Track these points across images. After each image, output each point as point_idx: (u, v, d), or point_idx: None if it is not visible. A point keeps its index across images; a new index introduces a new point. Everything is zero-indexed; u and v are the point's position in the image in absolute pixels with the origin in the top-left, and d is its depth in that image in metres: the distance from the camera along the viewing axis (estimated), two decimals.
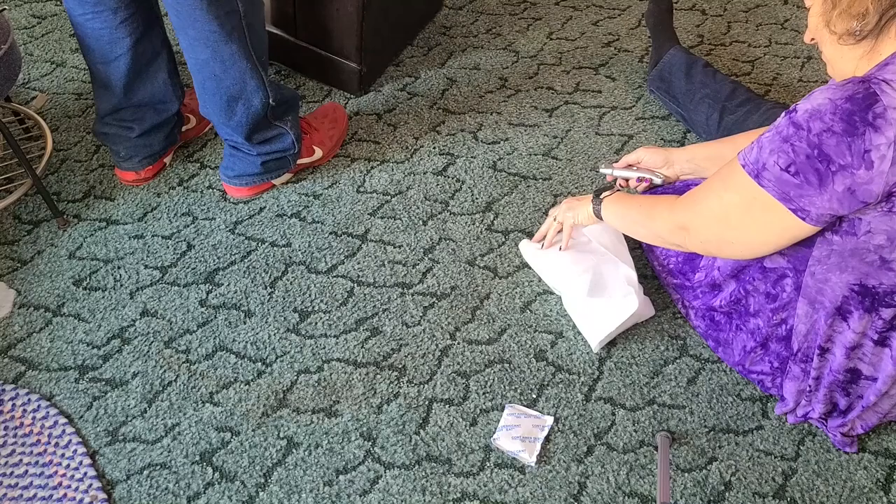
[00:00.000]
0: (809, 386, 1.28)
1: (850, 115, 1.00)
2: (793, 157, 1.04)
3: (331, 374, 1.45)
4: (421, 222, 1.75)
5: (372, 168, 1.88)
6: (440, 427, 1.38)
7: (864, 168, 1.00)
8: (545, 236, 1.60)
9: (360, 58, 1.99)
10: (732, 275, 1.34)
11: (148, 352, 1.48)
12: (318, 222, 1.75)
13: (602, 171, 1.64)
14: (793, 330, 1.26)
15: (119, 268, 1.64)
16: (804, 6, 1.30)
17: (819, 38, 1.14)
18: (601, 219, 1.49)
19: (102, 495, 1.27)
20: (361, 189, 1.83)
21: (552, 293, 1.60)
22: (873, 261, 1.11)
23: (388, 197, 1.81)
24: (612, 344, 1.50)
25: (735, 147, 1.50)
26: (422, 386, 1.44)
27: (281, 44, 2.08)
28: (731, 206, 1.16)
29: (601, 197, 1.48)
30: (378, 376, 1.45)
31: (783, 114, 1.09)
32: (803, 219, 1.07)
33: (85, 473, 1.30)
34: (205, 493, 1.28)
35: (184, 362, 1.47)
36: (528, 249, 1.64)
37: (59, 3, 2.43)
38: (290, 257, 1.67)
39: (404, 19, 2.19)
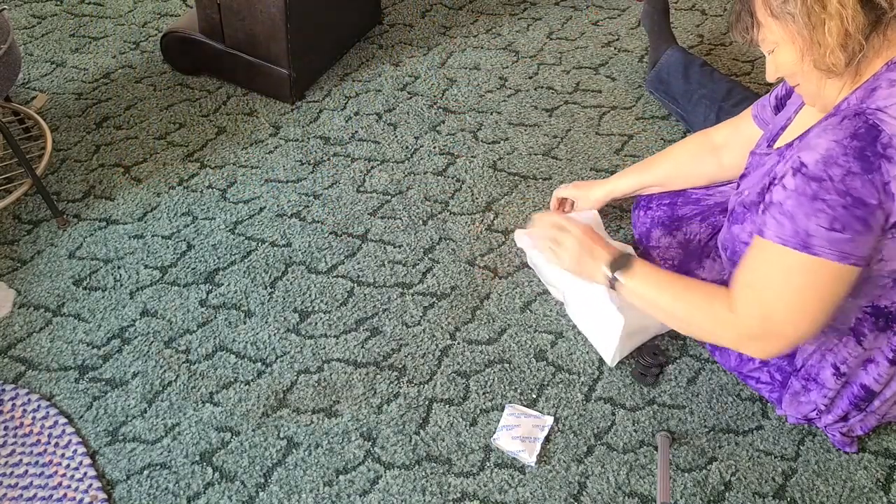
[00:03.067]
0: (822, 406, 1.28)
1: (861, 152, 0.98)
2: (831, 213, 1.00)
3: (331, 374, 1.45)
4: (421, 222, 1.75)
5: (372, 168, 1.88)
6: (440, 427, 1.38)
7: (889, 201, 0.99)
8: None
9: (289, 63, 1.98)
10: None
11: (148, 352, 1.48)
12: (318, 222, 1.75)
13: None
14: (798, 348, 1.25)
15: (119, 268, 1.64)
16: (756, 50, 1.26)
17: (795, 76, 1.10)
18: (614, 288, 1.27)
19: (102, 495, 1.27)
20: (361, 189, 1.83)
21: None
22: (886, 283, 1.10)
23: (388, 197, 1.81)
24: None
25: (661, 168, 1.56)
26: (422, 386, 1.44)
27: (210, 52, 2.07)
28: (800, 291, 1.06)
29: (621, 267, 1.24)
30: (378, 376, 1.45)
31: (790, 174, 1.03)
32: (866, 264, 1.05)
33: (85, 473, 1.30)
34: (205, 493, 1.28)
35: (184, 362, 1.47)
36: (523, 241, 1.62)
37: (59, 2, 2.43)
38: (290, 257, 1.67)
39: (336, 26, 2.15)
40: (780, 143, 1.24)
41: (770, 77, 1.13)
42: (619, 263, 1.24)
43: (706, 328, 1.18)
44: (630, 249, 1.51)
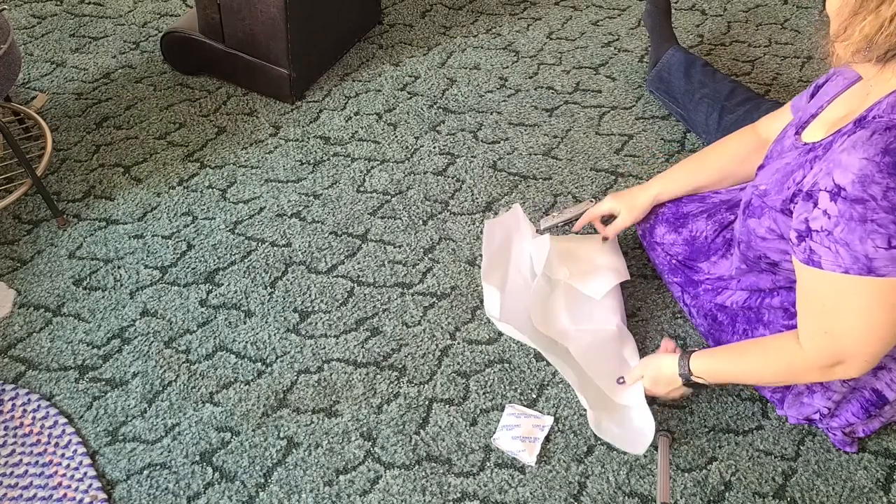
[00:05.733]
0: (826, 410, 1.27)
1: (895, 167, 0.96)
2: (885, 231, 0.98)
3: (331, 374, 1.45)
4: (421, 222, 1.75)
5: (372, 168, 1.88)
6: (440, 427, 1.38)
7: None
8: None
9: (289, 63, 1.98)
10: (752, 288, 1.32)
11: (148, 352, 1.48)
12: (318, 222, 1.75)
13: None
14: None
15: (119, 268, 1.64)
16: (811, 6, 1.21)
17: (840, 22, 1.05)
18: (689, 382, 1.28)
19: (102, 495, 1.27)
20: (361, 189, 1.83)
21: None
22: None
23: (388, 197, 1.81)
24: None
25: (715, 163, 1.47)
26: (422, 386, 1.44)
27: (210, 52, 2.07)
28: (872, 314, 1.04)
29: (690, 361, 1.26)
30: (378, 376, 1.45)
31: (828, 199, 1.01)
32: None
33: (85, 473, 1.30)
34: (205, 493, 1.28)
35: (184, 362, 1.47)
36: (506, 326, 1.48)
37: (59, 2, 2.43)
38: (290, 257, 1.67)
39: (336, 26, 2.16)
40: (807, 135, 1.20)
41: (828, 8, 1.07)
42: (683, 368, 1.27)
43: (790, 375, 1.18)
44: (621, 265, 1.55)
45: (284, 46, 1.95)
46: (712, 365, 1.25)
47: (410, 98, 2.09)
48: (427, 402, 1.41)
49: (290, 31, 1.92)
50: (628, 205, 1.52)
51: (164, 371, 1.45)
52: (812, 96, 1.33)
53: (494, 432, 1.36)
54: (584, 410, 1.40)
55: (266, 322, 1.54)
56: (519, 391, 1.43)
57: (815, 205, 1.03)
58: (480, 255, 1.67)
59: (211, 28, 2.02)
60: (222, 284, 1.61)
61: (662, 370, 1.30)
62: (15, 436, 1.35)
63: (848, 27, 1.00)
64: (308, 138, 1.97)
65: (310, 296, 1.59)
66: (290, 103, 2.07)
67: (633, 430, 1.31)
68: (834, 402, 1.25)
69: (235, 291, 1.60)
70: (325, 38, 2.12)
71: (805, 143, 1.17)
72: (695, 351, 1.27)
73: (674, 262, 1.49)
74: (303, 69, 2.04)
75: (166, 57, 2.17)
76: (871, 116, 1.04)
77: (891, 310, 1.03)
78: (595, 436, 1.36)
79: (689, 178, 1.49)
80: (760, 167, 1.29)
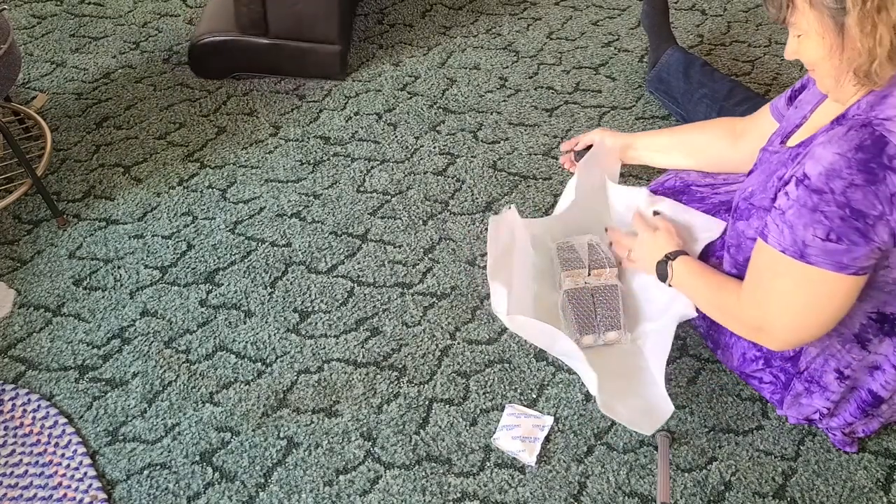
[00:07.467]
0: (825, 409, 1.27)
1: (866, 164, 0.98)
2: (829, 224, 1.01)
3: (331, 374, 1.45)
4: (421, 222, 1.75)
5: (372, 168, 1.88)
6: (440, 427, 1.38)
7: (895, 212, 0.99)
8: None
9: (339, 37, 2.01)
10: None
11: (148, 352, 1.48)
12: (318, 222, 1.75)
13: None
14: (802, 350, 1.25)
15: (119, 268, 1.64)
16: (780, 26, 1.23)
17: (816, 67, 1.09)
18: (663, 279, 1.35)
19: (102, 495, 1.27)
20: (361, 189, 1.83)
21: None
22: (892, 290, 1.10)
23: (388, 197, 1.81)
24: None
25: (688, 136, 1.56)
26: (422, 386, 1.44)
27: (250, 49, 2.07)
28: (793, 295, 1.10)
29: (676, 257, 1.33)
30: (378, 376, 1.45)
31: (793, 184, 1.06)
32: (866, 273, 1.05)
33: (85, 473, 1.30)
34: (205, 493, 1.28)
35: (184, 362, 1.47)
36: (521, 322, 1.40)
37: (59, 2, 2.43)
38: (290, 257, 1.67)
39: None
40: (792, 141, 1.23)
41: (788, 55, 1.12)
42: (676, 254, 1.33)
43: (721, 314, 1.25)
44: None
45: (337, 22, 1.99)
46: (685, 277, 1.30)
47: (410, 98, 2.09)
48: (427, 402, 1.41)
49: (341, 4, 1.97)
50: (607, 133, 1.60)
51: (164, 371, 1.45)
52: (790, 100, 1.37)
53: (494, 432, 1.36)
54: (584, 410, 1.40)
55: (266, 322, 1.54)
56: (519, 391, 1.43)
57: (786, 190, 1.08)
58: (480, 256, 1.67)
59: (254, 24, 2.04)
60: (222, 284, 1.61)
61: (657, 243, 1.37)
62: (15, 436, 1.35)
63: (868, 50, 1.00)
64: (308, 138, 1.97)
65: (310, 296, 1.59)
66: (342, 79, 2.12)
67: (646, 408, 1.31)
68: (833, 403, 1.25)
69: (235, 291, 1.60)
70: (350, 8, 2.19)
71: (789, 148, 1.20)
72: (685, 256, 1.32)
73: None
74: (346, 42, 2.10)
75: (196, 67, 2.14)
76: (850, 115, 1.06)
77: (812, 297, 1.08)
78: (595, 436, 1.36)
79: (668, 139, 1.58)
80: (750, 172, 1.31)
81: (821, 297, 1.08)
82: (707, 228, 1.42)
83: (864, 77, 1.02)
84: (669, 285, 1.34)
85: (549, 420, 1.38)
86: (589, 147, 1.60)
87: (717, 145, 1.51)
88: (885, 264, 1.06)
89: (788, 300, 1.10)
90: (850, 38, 1.00)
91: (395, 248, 1.69)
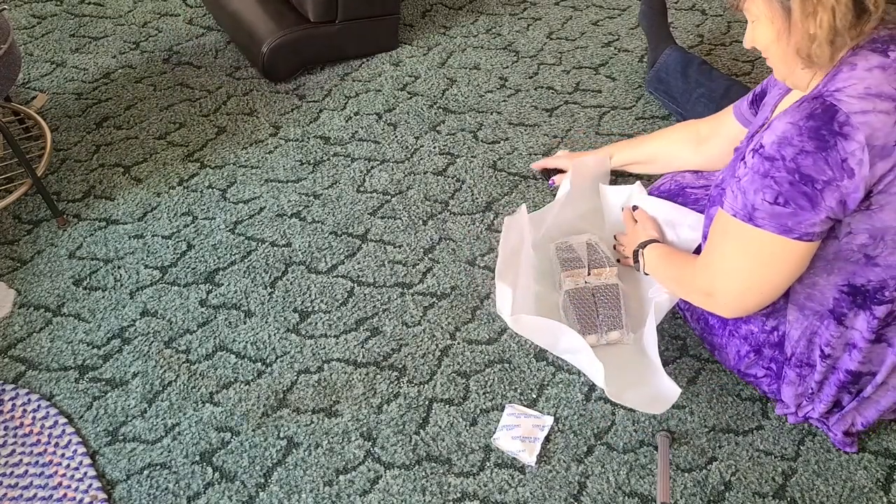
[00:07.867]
0: (812, 389, 1.28)
1: (817, 131, 1.02)
2: (777, 189, 1.06)
3: (331, 374, 1.46)
4: (421, 222, 1.75)
5: (372, 168, 1.89)
6: (440, 427, 1.38)
7: (846, 178, 1.02)
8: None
9: (397, 4, 2.15)
10: None
11: (148, 352, 1.48)
12: (318, 222, 1.75)
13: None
14: (785, 336, 1.26)
15: (119, 268, 1.64)
16: (740, 17, 1.30)
17: (769, 52, 1.14)
18: (637, 265, 1.46)
19: (102, 495, 1.27)
20: (361, 189, 1.83)
21: None
22: (858, 259, 1.12)
23: (388, 197, 1.81)
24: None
25: (650, 147, 1.72)
26: (422, 386, 1.44)
27: (322, 38, 2.13)
28: (739, 257, 1.15)
29: (645, 245, 1.44)
30: (378, 376, 1.45)
31: (750, 154, 1.10)
32: (811, 240, 1.08)
33: (85, 473, 1.30)
34: (205, 493, 1.28)
35: (184, 362, 1.47)
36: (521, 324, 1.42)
37: (59, 2, 2.43)
38: (290, 257, 1.67)
39: None
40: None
41: (746, 44, 1.18)
42: (647, 243, 1.44)
43: (679, 285, 1.33)
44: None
45: None
46: (653, 261, 1.40)
47: (410, 98, 2.09)
48: (427, 402, 1.41)
49: None
50: (575, 154, 1.81)
51: (164, 371, 1.45)
52: (752, 104, 1.45)
53: (494, 432, 1.36)
54: (584, 410, 1.40)
55: (266, 322, 1.54)
56: (519, 391, 1.43)
57: (744, 160, 1.13)
58: (480, 256, 1.67)
59: (327, 11, 2.10)
60: (222, 284, 1.61)
61: (635, 236, 1.49)
62: (15, 436, 1.35)
63: (809, 32, 1.05)
64: (308, 138, 1.97)
65: (310, 296, 1.59)
66: (398, 47, 2.23)
67: (654, 394, 1.33)
68: (817, 383, 1.26)
69: (235, 291, 1.60)
70: None
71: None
72: (656, 243, 1.43)
73: None
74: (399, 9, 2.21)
75: (270, 73, 2.11)
76: (810, 96, 1.10)
77: (756, 261, 1.13)
78: (595, 436, 1.36)
79: (630, 153, 1.76)
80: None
81: (764, 260, 1.12)
82: (684, 218, 1.47)
83: (807, 58, 1.07)
84: (646, 273, 1.42)
85: (549, 420, 1.38)
86: (557, 170, 1.79)
87: (680, 153, 1.66)
88: (848, 230, 1.08)
89: (735, 264, 1.16)
90: (794, 20, 1.05)
91: (395, 248, 1.69)
